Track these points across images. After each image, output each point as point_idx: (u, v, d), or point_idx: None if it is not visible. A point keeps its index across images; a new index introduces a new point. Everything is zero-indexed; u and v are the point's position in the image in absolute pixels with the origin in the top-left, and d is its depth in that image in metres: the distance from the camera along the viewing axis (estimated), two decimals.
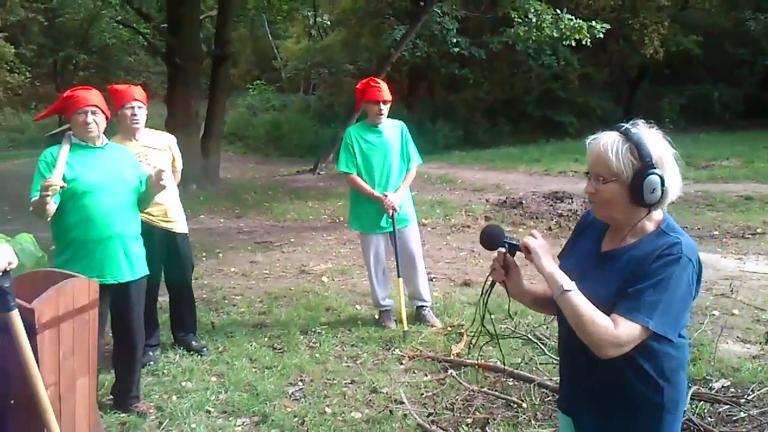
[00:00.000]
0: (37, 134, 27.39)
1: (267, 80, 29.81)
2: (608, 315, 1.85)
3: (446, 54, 20.98)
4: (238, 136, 24.05)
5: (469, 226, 9.10)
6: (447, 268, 7.14)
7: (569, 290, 1.87)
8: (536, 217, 9.32)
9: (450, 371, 4.50)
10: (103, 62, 28.72)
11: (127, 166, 4.00)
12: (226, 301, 6.24)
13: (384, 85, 5.35)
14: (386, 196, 5.25)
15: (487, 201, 10.75)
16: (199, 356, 4.90)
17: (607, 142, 1.90)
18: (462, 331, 5.20)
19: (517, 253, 2.11)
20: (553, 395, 4.09)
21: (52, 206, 3.59)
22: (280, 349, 5.06)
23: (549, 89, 23.20)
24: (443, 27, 19.04)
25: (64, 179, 3.63)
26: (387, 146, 5.34)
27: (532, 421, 3.82)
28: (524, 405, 3.96)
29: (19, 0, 25.47)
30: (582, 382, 2.05)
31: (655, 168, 1.85)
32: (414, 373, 4.58)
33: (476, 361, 4.60)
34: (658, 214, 1.96)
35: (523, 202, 10.15)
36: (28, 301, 2.77)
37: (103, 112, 3.86)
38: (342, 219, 10.02)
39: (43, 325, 2.83)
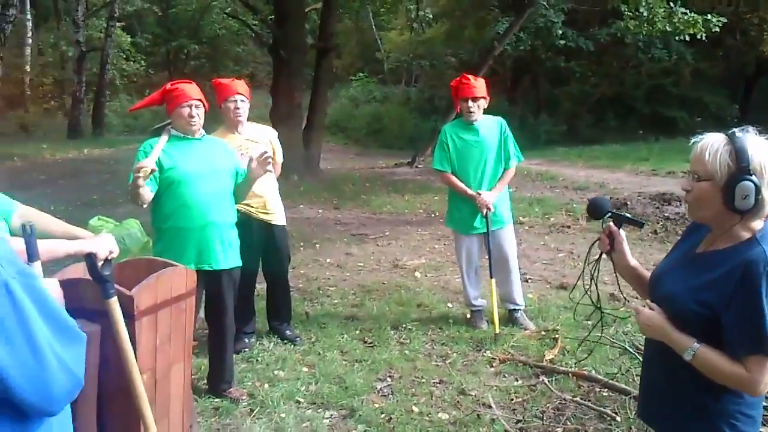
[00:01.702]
0: (150, 122, 28.63)
1: (370, 72, 30.05)
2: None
3: (552, 46, 20.54)
4: (340, 128, 24.38)
5: (569, 227, 8.87)
6: (543, 270, 6.97)
7: (697, 348, 1.88)
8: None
9: (542, 377, 4.39)
10: (213, 52, 29.77)
11: (223, 157, 4.09)
12: (321, 292, 6.33)
13: (477, 82, 5.24)
14: (480, 194, 5.17)
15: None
16: (293, 345, 4.99)
17: (710, 141, 1.88)
18: (556, 336, 5.07)
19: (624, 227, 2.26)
20: None
21: (146, 192, 3.72)
22: (370, 343, 5.08)
23: (659, 84, 22.31)
24: (548, 19, 18.64)
25: (161, 168, 3.77)
26: (483, 144, 5.24)
27: None
28: (618, 418, 3.81)
29: None
30: (657, 391, 2.09)
31: (752, 175, 1.79)
32: (504, 377, 4.49)
33: (570, 369, 4.48)
34: (757, 224, 1.90)
35: (628, 203, 9.78)
36: (130, 288, 2.88)
37: (204, 105, 3.98)
38: (437, 214, 9.99)
39: (142, 312, 2.94)
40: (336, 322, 5.48)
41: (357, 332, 5.28)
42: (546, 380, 4.34)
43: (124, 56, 28.62)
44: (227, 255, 4.04)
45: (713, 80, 23.42)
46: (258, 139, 4.86)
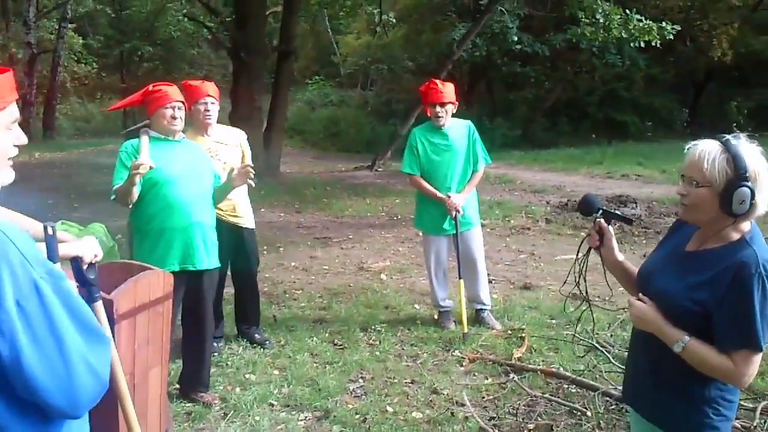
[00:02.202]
0: (102, 125, 28.27)
1: (326, 75, 30.03)
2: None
3: (508, 52, 20.82)
4: (297, 131, 24.30)
5: (529, 228, 9.02)
6: (506, 271, 7.08)
7: (687, 342, 1.98)
8: None
9: (512, 375, 4.47)
10: (167, 54, 29.36)
11: (201, 160, 4.10)
12: (287, 296, 6.33)
13: (445, 87, 5.33)
14: (449, 197, 5.24)
15: (548, 203, 10.63)
16: (262, 349, 4.98)
17: (706, 149, 1.97)
18: (523, 335, 5.17)
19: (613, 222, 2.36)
20: (617, 404, 4.03)
21: (136, 192, 3.71)
22: (340, 345, 5.11)
23: (612, 89, 22.82)
24: (504, 25, 18.90)
25: None
26: (452, 148, 5.32)
27: (596, 430, 3.78)
28: (588, 413, 3.91)
29: None
30: (644, 379, 2.19)
31: (748, 181, 1.90)
32: (474, 375, 4.57)
33: (538, 367, 4.58)
34: (745, 225, 2.02)
35: None
36: (107, 292, 2.86)
37: (185, 106, 3.97)
38: (400, 217, 10.07)
39: (121, 316, 2.93)
40: (304, 325, 5.49)
41: (326, 335, 5.29)
42: (516, 378, 4.43)
43: (76, 58, 28.05)
44: (210, 255, 4.05)
45: (664, 85, 24.07)
46: (227, 142, 4.85)
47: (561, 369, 4.54)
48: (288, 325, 5.49)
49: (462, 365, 4.72)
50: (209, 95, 4.61)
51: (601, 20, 12.66)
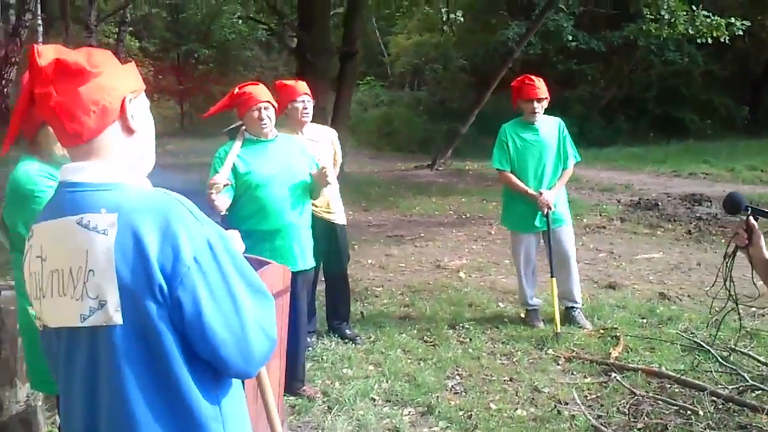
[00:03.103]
0: (161, 127, 28.78)
1: (374, 76, 30.07)
2: None
3: (563, 49, 20.61)
4: (351, 131, 24.33)
5: (604, 227, 8.89)
6: (588, 270, 6.99)
7: None
8: (674, 220, 9.00)
9: (612, 374, 4.41)
10: (222, 57, 29.75)
11: (298, 157, 4.09)
12: (369, 292, 6.36)
13: (540, 83, 5.30)
14: (541, 193, 5.20)
15: (619, 202, 10.48)
16: (354, 344, 5.01)
17: None
18: (617, 334, 5.09)
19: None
20: (725, 403, 3.95)
21: (222, 203, 3.73)
22: (431, 342, 5.11)
23: (670, 86, 22.35)
24: (558, 23, 18.71)
25: (237, 174, 3.79)
26: (543, 144, 5.28)
27: (708, 430, 3.70)
28: (700, 413, 3.83)
29: None
30: None
31: None
32: (573, 374, 4.52)
33: (639, 366, 4.51)
34: None
35: (659, 203, 9.82)
36: None
37: (273, 106, 3.98)
38: (468, 215, 10.04)
39: None
40: (392, 322, 5.51)
41: (414, 331, 5.30)
42: (618, 377, 4.37)
43: (131, 61, 28.61)
44: (304, 256, 4.06)
45: (723, 82, 23.48)
46: (319, 139, 4.89)
47: (663, 368, 4.47)
48: (375, 322, 5.51)
49: (558, 364, 4.68)
50: (306, 93, 4.65)
51: (666, 16, 12.42)
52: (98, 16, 24.39)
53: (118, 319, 1.37)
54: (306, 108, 4.64)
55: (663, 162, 14.92)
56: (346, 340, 5.08)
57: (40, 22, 25.10)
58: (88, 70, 1.48)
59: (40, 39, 25.82)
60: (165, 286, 1.36)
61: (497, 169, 5.41)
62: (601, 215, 9.32)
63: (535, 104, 5.22)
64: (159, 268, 1.36)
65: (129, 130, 1.51)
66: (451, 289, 6.41)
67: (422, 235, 8.82)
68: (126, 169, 1.51)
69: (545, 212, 5.22)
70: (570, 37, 19.03)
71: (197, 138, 21.70)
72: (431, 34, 22.26)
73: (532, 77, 5.33)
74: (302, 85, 4.68)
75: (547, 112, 5.41)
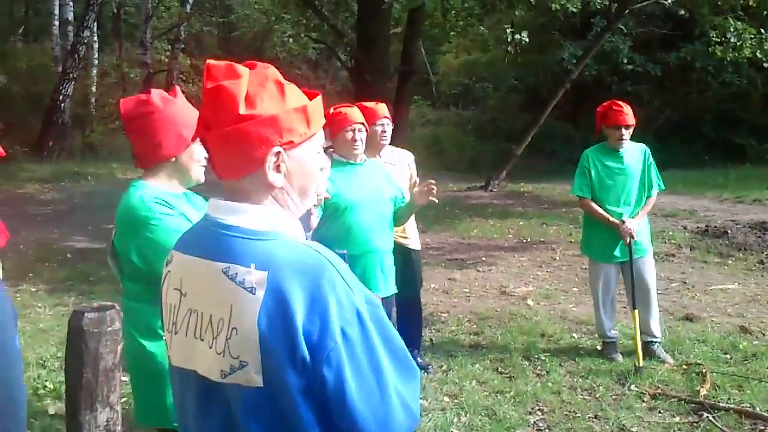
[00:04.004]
0: None
1: (419, 95, 30.05)
2: None
3: (617, 71, 20.33)
4: None
5: (673, 255, 8.62)
6: (662, 300, 6.71)
7: None
8: (744, 249, 8.69)
9: (704, 414, 4.20)
10: None
11: (384, 182, 4.03)
12: (435, 318, 6.23)
13: (627, 109, 5.13)
14: (623, 222, 5.03)
15: (685, 228, 10.18)
16: (425, 373, 4.88)
17: None
18: (702, 370, 4.87)
19: None
20: None
21: (314, 220, 3.67)
22: (506, 373, 4.95)
23: (727, 109, 21.85)
24: (614, 44, 18.46)
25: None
26: (627, 172, 5.12)
27: None
28: None
29: (199, 14, 27.25)
30: None
31: None
32: (660, 412, 4.32)
33: (730, 405, 4.30)
34: None
35: (728, 231, 9.50)
36: None
37: (366, 128, 3.92)
38: (529, 240, 9.85)
39: None
40: (463, 350, 5.38)
41: (487, 361, 5.15)
42: (710, 417, 4.15)
43: (184, 78, 29.12)
44: (387, 282, 3.98)
45: None
46: (396, 162, 4.81)
47: (757, 409, 4.25)
48: (445, 350, 5.39)
49: (644, 400, 4.48)
50: (385, 116, 4.57)
51: (733, 40, 12.12)
52: (153, 33, 24.87)
53: (258, 381, 1.30)
54: (385, 131, 4.56)
55: (724, 187, 14.51)
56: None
57: (95, 38, 25.75)
58: (239, 114, 1.36)
59: (96, 55, 26.51)
60: (308, 358, 1.27)
61: (578, 196, 5.24)
62: (668, 243, 9.05)
63: (623, 131, 5.06)
64: (304, 336, 1.27)
65: (269, 184, 1.40)
66: (520, 317, 6.24)
67: (483, 259, 8.66)
68: (280, 215, 1.43)
69: (627, 242, 5.04)
70: (626, 59, 18.75)
71: None
72: (483, 53, 22.16)
73: (620, 102, 5.17)
74: (382, 108, 4.61)
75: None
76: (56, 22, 23.92)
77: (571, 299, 6.84)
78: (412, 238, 4.92)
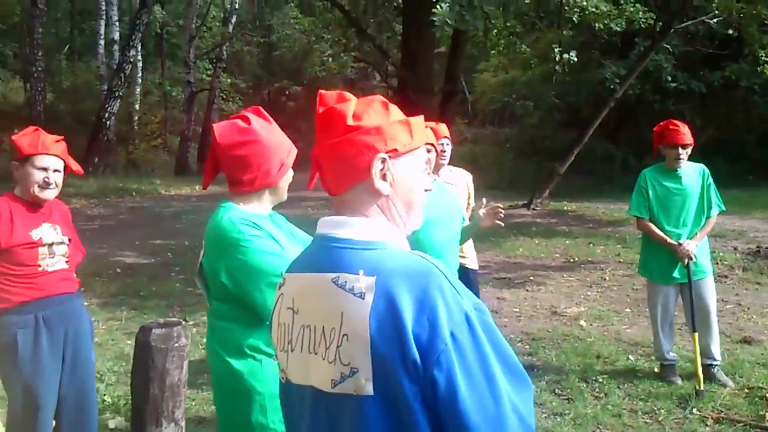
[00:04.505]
0: None
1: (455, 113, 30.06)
2: None
3: (660, 89, 20.13)
4: None
5: (725, 276, 8.48)
6: (718, 322, 6.63)
7: None
8: None
9: None
10: (311, 94, 30.43)
11: (451, 202, 4.05)
12: None
13: (684, 128, 5.09)
14: (681, 244, 4.97)
15: (736, 249, 10.01)
16: None
17: None
18: (765, 394, 4.77)
19: None
20: None
21: None
22: (564, 395, 4.90)
23: None
24: (658, 63, 18.29)
25: None
26: (685, 192, 5.07)
27: None
28: None
29: (241, 34, 27.71)
30: None
31: None
32: None
33: None
34: None
35: None
36: None
37: (436, 149, 3.94)
38: (577, 259, 9.77)
39: None
40: None
41: (544, 383, 5.10)
42: None
43: (224, 97, 29.61)
44: None
45: None
46: (455, 182, 4.83)
47: None
48: None
49: (707, 425, 4.40)
50: (446, 136, 4.60)
51: None
52: (195, 53, 25.35)
53: (369, 389, 1.30)
54: (444, 151, 4.59)
55: None
56: None
57: (140, 58, 26.33)
58: (346, 125, 1.45)
59: (140, 74, 27.10)
60: (419, 362, 1.28)
61: (635, 217, 5.20)
62: (720, 264, 8.89)
63: (680, 150, 5.01)
64: (414, 340, 1.28)
65: (376, 191, 1.45)
66: (573, 338, 6.19)
67: (531, 278, 8.60)
68: (387, 227, 1.47)
69: (686, 263, 4.97)
70: (669, 78, 18.57)
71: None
72: (523, 71, 22.13)
73: (677, 122, 5.14)
74: (443, 128, 4.64)
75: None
76: (101, 42, 24.45)
77: (624, 320, 6.76)
78: (471, 258, 4.93)
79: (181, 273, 8.96)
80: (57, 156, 3.19)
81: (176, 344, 3.62)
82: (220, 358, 2.34)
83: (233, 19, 25.95)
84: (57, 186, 3.20)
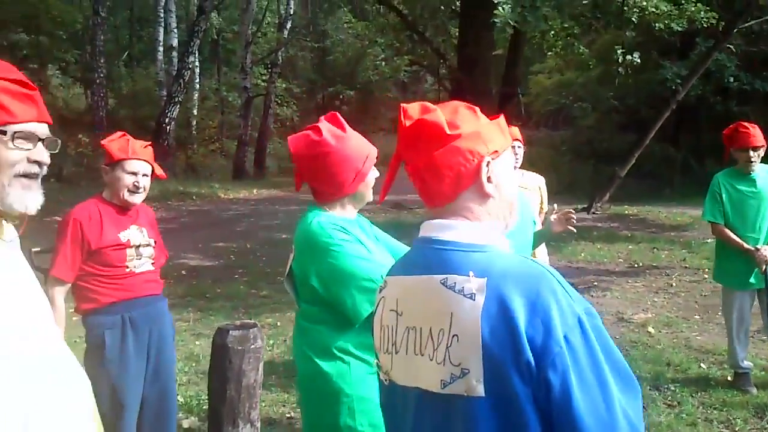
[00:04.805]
0: None
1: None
2: None
3: (722, 90, 19.64)
4: None
5: None
6: None
7: None
8: None
9: None
10: (364, 97, 30.68)
11: (527, 208, 4.03)
12: None
13: (755, 130, 4.94)
14: (758, 249, 4.84)
15: None
16: None
17: None
18: None
19: None
20: None
21: None
22: None
23: None
24: (720, 63, 17.85)
25: None
26: (761, 195, 4.93)
27: None
28: None
29: (296, 39, 28.06)
30: None
31: None
32: None
33: None
34: None
35: None
36: None
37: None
38: (641, 264, 9.60)
39: None
40: None
41: None
42: None
43: (278, 102, 30.00)
44: None
45: None
46: (527, 186, 4.80)
47: None
48: None
49: None
50: (517, 139, 4.57)
51: None
52: (252, 58, 25.73)
53: (480, 390, 1.31)
54: (517, 154, 4.55)
55: None
56: None
57: (197, 64, 26.85)
58: (446, 134, 1.46)
59: (197, 79, 27.63)
60: (533, 363, 1.28)
61: (710, 222, 5.08)
62: None
63: (751, 153, 4.87)
64: (528, 342, 1.28)
65: (485, 194, 1.46)
66: (642, 345, 6.08)
67: (595, 283, 8.48)
68: (492, 230, 1.47)
69: (762, 269, 4.84)
70: (731, 78, 18.10)
71: None
72: (578, 72, 21.84)
73: (746, 124, 4.99)
74: (515, 131, 4.59)
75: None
76: (160, 48, 24.98)
77: (694, 327, 6.61)
78: (543, 263, 4.88)
79: (245, 275, 9.11)
80: (145, 161, 3.28)
81: (252, 346, 3.68)
82: (308, 359, 2.37)
83: (288, 25, 26.25)
84: (145, 190, 3.30)
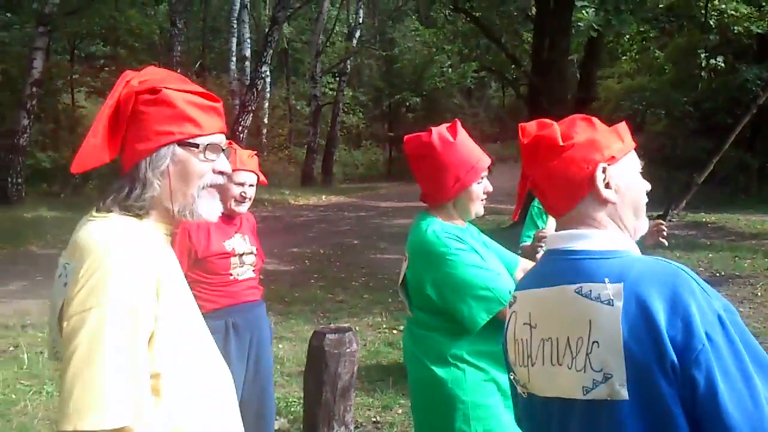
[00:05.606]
0: (366, 171, 30.41)
1: None
2: None
3: None
4: None
5: None
6: None
7: None
8: None
9: None
10: (430, 104, 30.67)
11: None
12: None
13: None
14: None
15: None
16: None
17: None
18: None
19: None
20: None
21: (539, 257, 3.70)
22: None
23: None
24: None
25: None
26: None
27: None
28: None
29: (364, 48, 28.31)
30: None
31: None
32: None
33: None
34: None
35: None
36: None
37: None
38: (724, 273, 9.36)
39: None
40: None
41: None
42: None
43: (345, 109, 30.33)
44: None
45: None
46: None
47: None
48: None
49: None
50: None
51: None
52: (321, 68, 26.12)
53: (624, 394, 1.32)
54: None
55: None
56: None
57: (268, 73, 27.39)
58: (559, 145, 1.50)
59: (268, 89, 28.19)
60: (677, 363, 1.29)
61: None
62: None
63: None
64: (670, 341, 1.29)
65: (605, 200, 1.48)
66: None
67: None
68: (620, 236, 1.49)
69: None
70: None
71: (404, 182, 22.50)
72: (649, 77, 21.35)
73: None
74: None
75: None
76: (233, 58, 25.54)
77: None
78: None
79: (320, 280, 9.27)
80: (252, 171, 3.39)
81: (348, 349, 3.77)
82: (423, 365, 2.41)
83: (357, 34, 26.55)
84: (250, 199, 3.40)
